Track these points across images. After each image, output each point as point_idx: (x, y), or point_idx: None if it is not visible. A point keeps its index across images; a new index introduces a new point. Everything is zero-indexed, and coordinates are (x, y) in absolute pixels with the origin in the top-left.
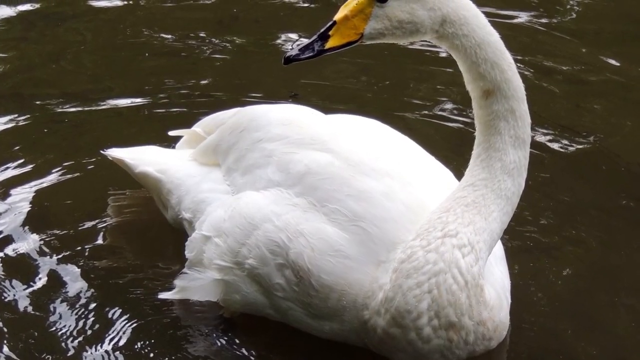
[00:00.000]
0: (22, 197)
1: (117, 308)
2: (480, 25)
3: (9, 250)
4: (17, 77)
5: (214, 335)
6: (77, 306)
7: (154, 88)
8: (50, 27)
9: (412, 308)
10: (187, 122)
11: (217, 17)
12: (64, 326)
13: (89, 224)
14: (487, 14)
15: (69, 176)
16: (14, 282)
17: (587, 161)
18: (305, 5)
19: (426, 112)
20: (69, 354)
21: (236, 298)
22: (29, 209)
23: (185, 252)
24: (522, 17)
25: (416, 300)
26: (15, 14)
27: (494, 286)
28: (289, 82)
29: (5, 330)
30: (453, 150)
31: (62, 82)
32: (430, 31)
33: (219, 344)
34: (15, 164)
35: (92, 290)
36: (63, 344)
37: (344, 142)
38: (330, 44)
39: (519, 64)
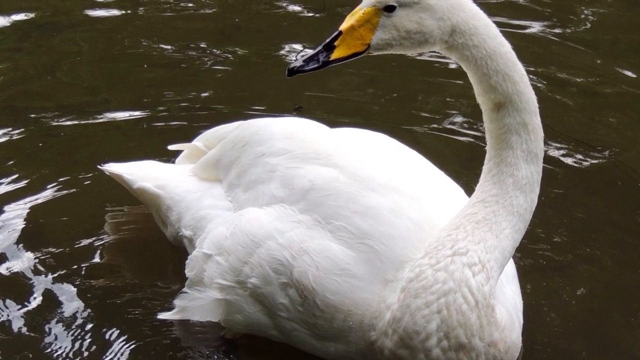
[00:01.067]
0: (16, 213)
1: (114, 329)
2: (491, 36)
3: (3, 269)
4: (11, 90)
5: (215, 357)
6: (73, 327)
7: (153, 100)
8: (45, 37)
9: (420, 329)
10: (187, 136)
11: (219, 27)
12: (60, 348)
13: (85, 242)
14: (498, 24)
15: (64, 192)
16: (8, 302)
17: (602, 176)
18: (310, 14)
19: (435, 125)
20: None
21: (238, 318)
22: (23, 226)
23: (186, 271)
24: (535, 27)
25: (425, 321)
26: (9, 24)
27: (505, 306)
28: (293, 95)
29: None
30: (463, 165)
31: (58, 94)
32: (439, 41)
33: None
34: (9, 179)
35: (89, 310)
36: None
37: (350, 157)
38: (335, 54)
39: (531, 76)
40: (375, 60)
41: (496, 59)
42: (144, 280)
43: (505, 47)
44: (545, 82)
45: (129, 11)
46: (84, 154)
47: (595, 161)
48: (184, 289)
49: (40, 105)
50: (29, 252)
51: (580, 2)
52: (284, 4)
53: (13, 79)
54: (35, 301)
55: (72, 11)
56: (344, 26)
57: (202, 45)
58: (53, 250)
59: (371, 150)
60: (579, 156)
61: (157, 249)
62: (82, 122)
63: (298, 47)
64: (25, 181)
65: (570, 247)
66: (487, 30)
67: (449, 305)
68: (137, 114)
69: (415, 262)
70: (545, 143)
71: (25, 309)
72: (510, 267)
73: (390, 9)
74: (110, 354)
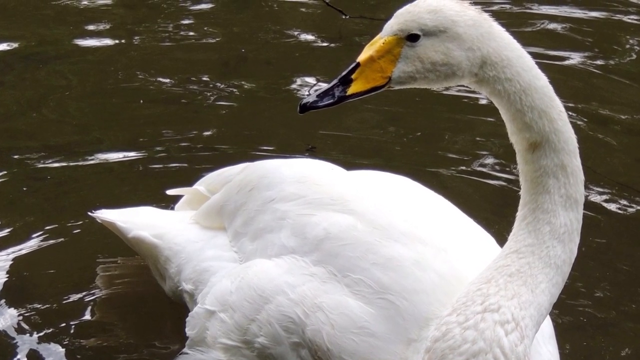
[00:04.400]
0: None
1: None
2: (525, 68)
3: None
4: None
5: None
6: None
7: (150, 140)
8: (30, 69)
9: None
10: (188, 179)
11: (223, 58)
12: None
13: (74, 297)
14: (534, 55)
15: (51, 242)
16: None
17: None
18: (325, 44)
19: (463, 167)
20: None
21: None
22: (6, 279)
23: (186, 329)
24: (575, 59)
25: None
26: None
27: None
28: (305, 134)
29: None
30: (494, 212)
31: (44, 133)
32: (468, 74)
33: None
34: None
35: None
36: None
37: (369, 203)
38: (353, 89)
39: (570, 112)
40: (396, 95)
41: (531, 93)
42: (139, 340)
43: (541, 81)
44: (586, 120)
45: (123, 41)
46: (73, 200)
47: None
48: (184, 350)
49: (25, 145)
50: (11, 309)
51: (624, 30)
52: (296, 33)
53: None
54: None
55: (60, 41)
56: (362, 57)
57: (204, 79)
58: (39, 306)
59: (392, 196)
60: (624, 202)
61: (154, 305)
62: (71, 163)
63: (311, 80)
64: (8, 230)
65: (614, 302)
66: (521, 62)
67: None
68: (132, 154)
69: (441, 320)
70: (586, 187)
71: None
72: (547, 325)
73: (413, 38)
74: None
